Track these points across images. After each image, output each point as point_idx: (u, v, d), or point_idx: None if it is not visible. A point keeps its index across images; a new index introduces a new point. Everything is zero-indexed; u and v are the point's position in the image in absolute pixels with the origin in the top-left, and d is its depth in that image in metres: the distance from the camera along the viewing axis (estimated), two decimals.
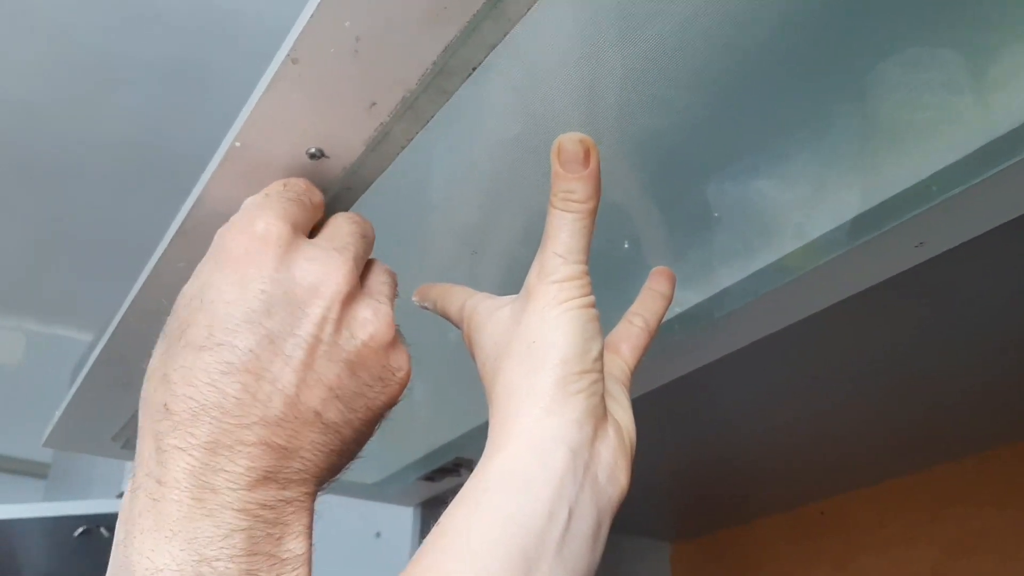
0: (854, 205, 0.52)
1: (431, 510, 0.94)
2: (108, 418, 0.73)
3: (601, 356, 0.39)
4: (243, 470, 0.34)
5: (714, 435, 0.87)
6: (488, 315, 0.42)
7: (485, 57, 0.36)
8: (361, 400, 0.38)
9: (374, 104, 0.39)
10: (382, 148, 0.42)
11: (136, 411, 0.69)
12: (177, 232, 0.47)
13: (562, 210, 0.40)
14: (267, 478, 0.34)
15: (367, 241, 0.41)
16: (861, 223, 0.52)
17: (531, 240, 0.44)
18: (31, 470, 2.34)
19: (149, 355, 0.60)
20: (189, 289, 0.38)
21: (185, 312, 0.37)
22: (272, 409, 0.35)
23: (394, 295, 0.41)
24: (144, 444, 0.36)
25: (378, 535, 1.45)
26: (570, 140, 0.39)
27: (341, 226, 0.41)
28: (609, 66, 0.47)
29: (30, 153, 1.98)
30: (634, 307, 0.46)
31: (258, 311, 0.36)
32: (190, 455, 0.34)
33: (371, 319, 0.38)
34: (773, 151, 0.54)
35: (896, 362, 0.71)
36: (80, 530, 1.42)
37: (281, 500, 0.34)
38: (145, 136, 1.95)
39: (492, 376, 0.40)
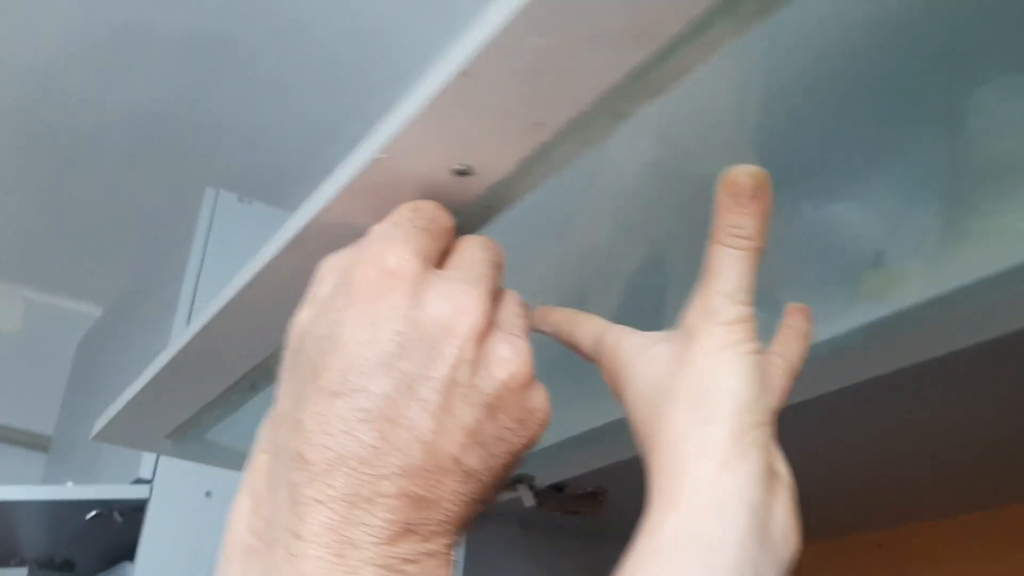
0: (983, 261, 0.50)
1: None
2: (167, 417, 0.70)
3: (771, 406, 0.37)
4: (382, 523, 0.32)
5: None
6: (639, 352, 0.40)
7: (673, 83, 0.33)
8: (502, 444, 0.35)
9: (539, 123, 0.36)
10: (535, 168, 0.39)
11: (198, 412, 0.68)
12: (294, 239, 0.45)
13: (729, 247, 0.38)
14: (408, 531, 0.32)
15: (499, 270, 0.39)
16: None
17: (653, 267, 0.41)
18: (31, 442, 2.30)
19: (227, 360, 0.59)
20: (315, 326, 0.36)
21: (316, 353, 0.35)
22: (411, 458, 0.33)
23: (528, 328, 0.39)
24: (278, 493, 0.34)
25: None
26: (745, 173, 0.37)
27: (473, 254, 0.38)
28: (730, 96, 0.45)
29: (44, 121, 1.94)
30: (774, 347, 0.44)
31: (393, 353, 0.33)
32: (329, 508, 0.32)
33: (509, 357, 0.35)
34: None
35: (982, 398, 0.69)
36: (92, 513, 1.40)
37: (423, 553, 0.33)
38: (161, 109, 1.92)
39: (651, 421, 0.38)
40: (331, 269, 0.40)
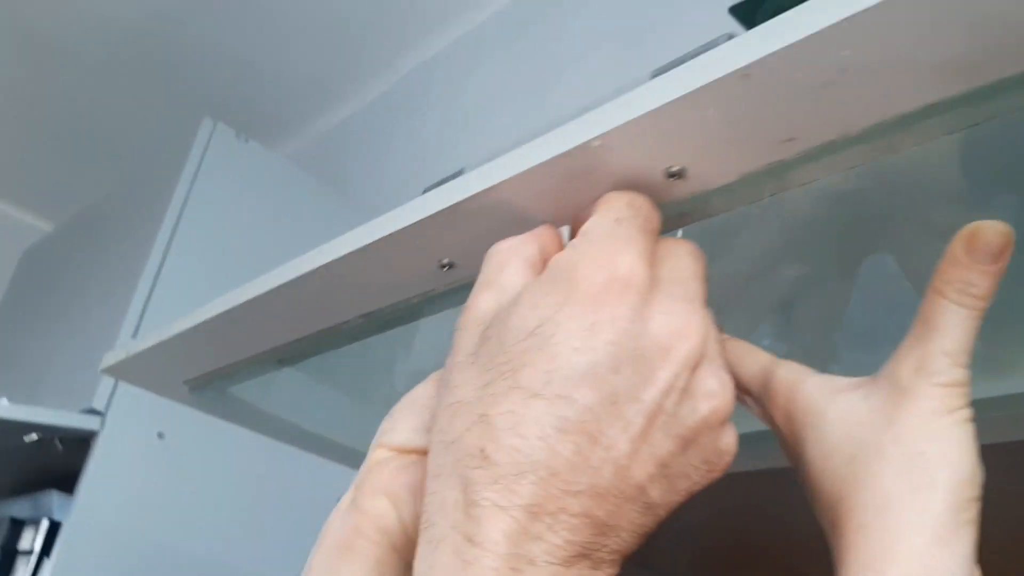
0: None
1: None
2: (193, 364, 0.65)
3: (982, 481, 0.34)
4: (562, 542, 0.30)
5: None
6: (827, 398, 0.37)
7: (979, 123, 0.30)
8: (685, 481, 0.33)
9: (791, 140, 0.33)
10: (759, 183, 0.36)
11: (227, 366, 0.62)
12: (449, 208, 0.40)
13: (958, 304, 0.35)
14: (582, 555, 0.30)
15: (706, 286, 0.36)
16: None
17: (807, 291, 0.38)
18: None
19: (289, 321, 0.54)
20: (520, 319, 0.33)
21: (515, 347, 0.32)
22: (602, 478, 0.30)
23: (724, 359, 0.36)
24: (448, 488, 0.32)
25: None
26: (992, 230, 0.34)
27: (687, 266, 0.35)
28: None
29: (28, 26, 1.83)
30: None
31: (605, 365, 0.31)
32: (511, 516, 0.30)
33: (716, 391, 0.33)
34: None
35: None
36: (33, 437, 1.32)
37: None
38: (151, 26, 1.82)
39: (848, 475, 0.35)
40: (514, 255, 0.37)
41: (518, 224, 0.41)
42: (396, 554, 0.40)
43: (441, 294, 0.48)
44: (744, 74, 0.30)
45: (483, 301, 0.35)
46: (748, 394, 0.41)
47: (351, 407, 0.76)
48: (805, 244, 0.44)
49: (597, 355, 0.31)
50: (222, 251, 1.43)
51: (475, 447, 0.31)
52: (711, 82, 0.31)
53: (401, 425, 0.42)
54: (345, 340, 0.55)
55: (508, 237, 0.38)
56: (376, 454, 0.42)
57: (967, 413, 0.35)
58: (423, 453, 0.41)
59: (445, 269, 0.46)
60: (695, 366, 0.32)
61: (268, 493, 1.43)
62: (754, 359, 0.41)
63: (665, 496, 0.32)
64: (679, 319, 0.32)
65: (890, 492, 0.34)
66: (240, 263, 1.42)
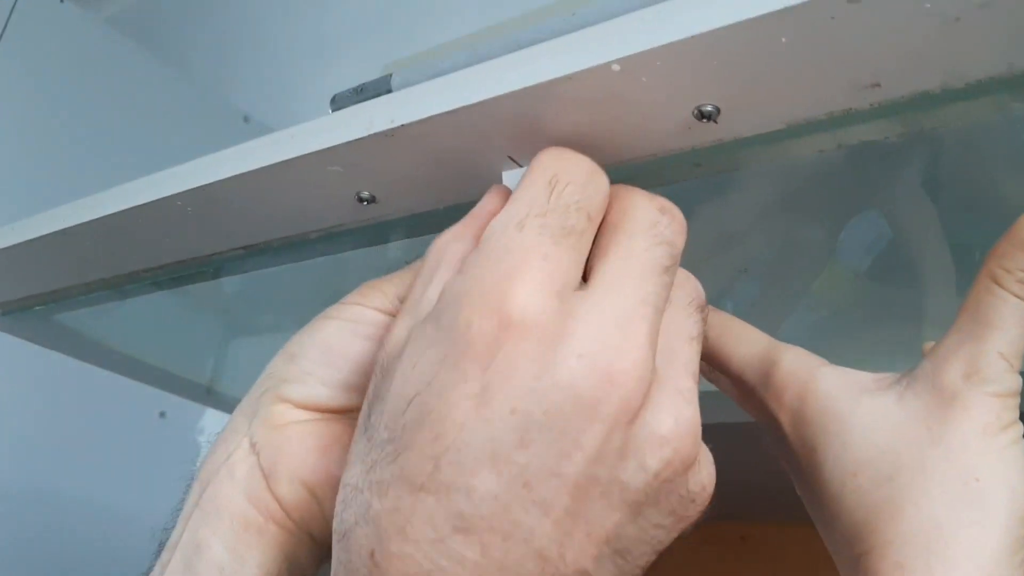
0: None
1: None
2: (13, 286, 0.52)
3: None
4: None
5: None
6: (851, 400, 0.31)
7: None
8: (645, 546, 0.25)
9: (874, 85, 0.25)
10: (805, 137, 0.28)
11: (47, 294, 0.50)
12: (384, 133, 0.31)
13: (1018, 296, 0.29)
14: None
15: (674, 265, 0.26)
16: None
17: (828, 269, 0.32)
18: None
19: (137, 249, 0.43)
20: (400, 383, 0.25)
21: (397, 422, 0.24)
22: None
23: (698, 360, 0.27)
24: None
25: (162, 415, 1.30)
26: None
27: (638, 246, 0.26)
28: None
29: None
30: None
31: (507, 441, 0.23)
32: None
33: (669, 435, 0.24)
34: None
35: None
36: None
37: None
38: None
39: (883, 501, 0.29)
40: (452, 255, 0.28)
41: (471, 160, 0.32)
42: (314, 543, 0.32)
43: (354, 230, 0.39)
44: None
45: (398, 329, 0.27)
46: (741, 384, 0.34)
47: (223, 341, 0.66)
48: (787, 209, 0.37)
49: (493, 429, 0.23)
50: (32, 127, 1.24)
51: (365, 549, 0.24)
52: (803, 2, 0.23)
53: (310, 374, 0.32)
54: (223, 271, 0.44)
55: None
56: (276, 411, 0.32)
57: (1020, 429, 0.29)
58: (340, 413, 0.33)
59: (364, 203, 0.36)
60: (634, 414, 0.23)
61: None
62: (751, 341, 0.34)
63: (623, 570, 0.24)
64: (605, 358, 0.23)
65: (940, 525, 0.28)
66: (54, 141, 1.23)
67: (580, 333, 0.23)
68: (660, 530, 0.25)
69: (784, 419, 0.32)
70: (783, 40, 0.24)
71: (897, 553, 0.28)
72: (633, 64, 0.26)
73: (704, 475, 0.25)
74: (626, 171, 0.31)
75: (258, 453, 0.31)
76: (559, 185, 0.26)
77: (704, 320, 0.28)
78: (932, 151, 0.30)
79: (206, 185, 0.36)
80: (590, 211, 0.26)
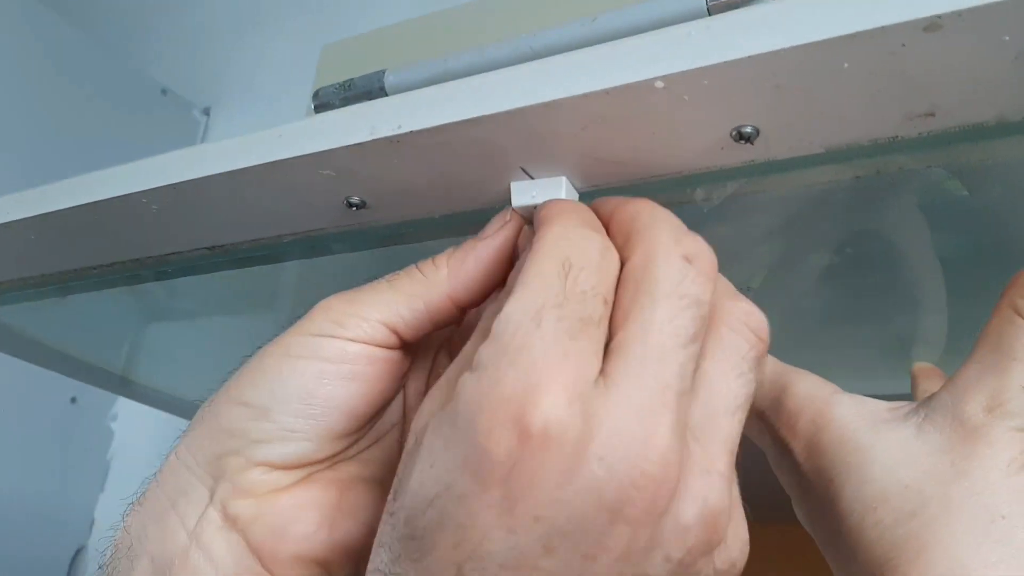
0: None
1: None
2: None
3: None
4: None
5: None
6: (870, 431, 0.30)
7: None
8: None
9: (928, 115, 0.24)
10: (848, 161, 0.27)
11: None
12: (394, 138, 0.29)
13: None
14: None
15: (701, 327, 0.24)
16: None
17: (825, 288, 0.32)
18: None
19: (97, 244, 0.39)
20: (419, 478, 0.23)
21: (420, 520, 0.23)
22: None
23: (739, 432, 0.25)
24: None
25: (73, 400, 1.24)
26: None
27: (658, 323, 0.23)
28: None
29: None
30: None
31: (532, 549, 0.22)
32: None
33: (692, 526, 0.23)
34: None
35: None
36: None
37: None
38: None
39: (906, 538, 0.28)
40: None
41: (479, 170, 0.30)
42: None
43: (336, 235, 0.36)
44: (933, 24, 0.21)
45: (428, 404, 0.25)
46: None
47: (138, 327, 0.62)
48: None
49: (517, 538, 0.21)
50: None
51: None
52: (877, 28, 0.21)
53: (293, 431, 0.28)
54: (182, 272, 0.41)
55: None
56: (252, 477, 0.28)
57: None
58: (328, 462, 0.30)
59: (354, 209, 0.34)
60: (662, 511, 0.22)
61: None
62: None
63: None
64: (627, 459, 0.21)
65: (965, 565, 0.27)
66: None
67: (600, 436, 0.22)
68: None
69: (797, 446, 0.31)
70: (845, 65, 0.23)
71: (924, 569, 0.27)
72: (679, 82, 0.24)
73: (734, 552, 0.24)
74: (646, 188, 0.29)
75: (243, 530, 0.28)
76: (573, 270, 0.24)
77: (758, 378, 0.26)
78: (960, 180, 0.29)
79: (178, 183, 0.33)
80: (606, 295, 0.24)
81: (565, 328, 0.23)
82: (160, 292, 0.77)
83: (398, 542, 0.23)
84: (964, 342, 0.31)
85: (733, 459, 0.24)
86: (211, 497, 0.28)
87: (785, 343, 0.38)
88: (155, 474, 0.30)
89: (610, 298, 0.24)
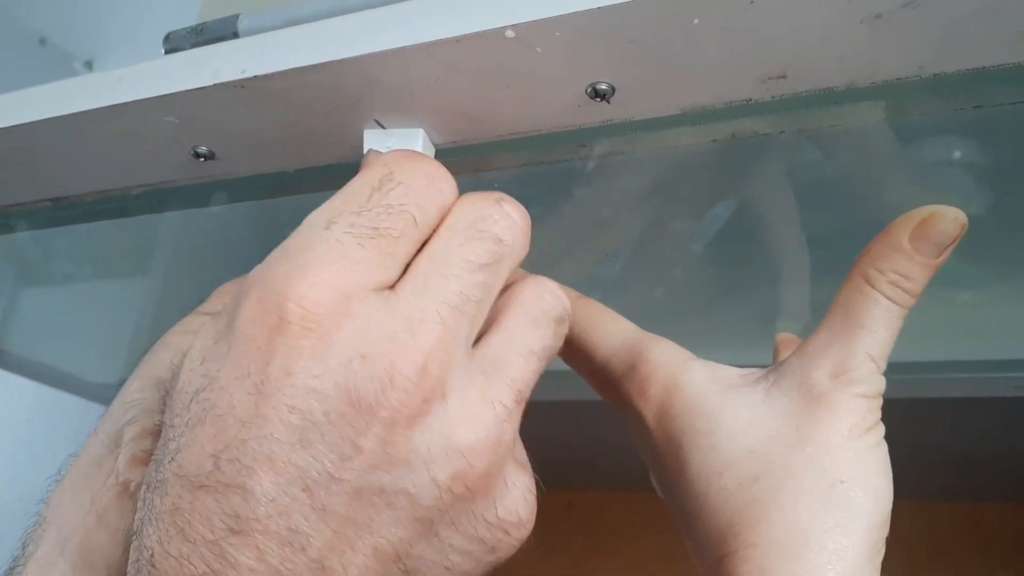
0: None
1: None
2: None
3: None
4: None
5: None
6: (720, 395, 0.30)
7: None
8: (444, 573, 0.23)
9: (780, 77, 0.24)
10: (704, 124, 0.27)
11: None
12: (238, 83, 0.27)
13: (889, 298, 0.29)
14: None
15: (497, 261, 0.24)
16: None
17: (697, 257, 0.32)
18: None
19: None
20: (188, 374, 0.23)
21: (182, 416, 0.23)
22: None
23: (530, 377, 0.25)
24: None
25: None
26: (951, 218, 0.28)
27: (451, 246, 0.24)
28: None
29: None
30: None
31: (286, 441, 0.21)
32: None
33: (461, 448, 0.22)
34: None
35: None
36: None
37: None
38: None
39: (748, 503, 0.28)
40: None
41: (331, 119, 0.29)
42: None
43: (185, 188, 0.34)
44: None
45: (187, 359, 0.25)
46: (605, 373, 0.33)
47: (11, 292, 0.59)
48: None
49: (272, 427, 0.21)
50: None
51: (147, 551, 0.22)
52: None
53: None
54: (23, 225, 0.39)
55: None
56: (147, 446, 0.28)
57: (882, 430, 0.29)
58: None
59: (201, 160, 0.32)
60: (413, 418, 0.22)
61: None
62: (618, 331, 0.33)
63: None
64: (386, 359, 0.21)
65: (804, 530, 0.27)
66: None
67: (365, 334, 0.22)
68: (464, 557, 0.23)
69: (648, 412, 0.31)
70: (695, 21, 0.22)
71: (762, 557, 0.27)
72: (530, 32, 0.23)
73: (516, 501, 0.24)
74: (504, 145, 0.29)
75: (133, 497, 0.28)
76: (388, 184, 0.24)
77: (559, 335, 0.26)
78: (818, 149, 0.29)
79: (10, 127, 0.31)
80: (417, 215, 0.24)
81: (354, 234, 0.23)
82: (35, 252, 0.73)
83: (163, 449, 0.22)
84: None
85: (519, 400, 0.24)
86: (113, 464, 0.28)
87: (651, 311, 0.38)
88: (78, 450, 0.30)
89: (424, 221, 0.24)
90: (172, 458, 0.22)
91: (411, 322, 0.22)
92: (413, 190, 0.24)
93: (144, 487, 0.23)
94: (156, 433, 0.28)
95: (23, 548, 0.29)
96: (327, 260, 0.22)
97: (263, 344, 0.22)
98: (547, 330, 0.26)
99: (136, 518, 0.23)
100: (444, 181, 0.25)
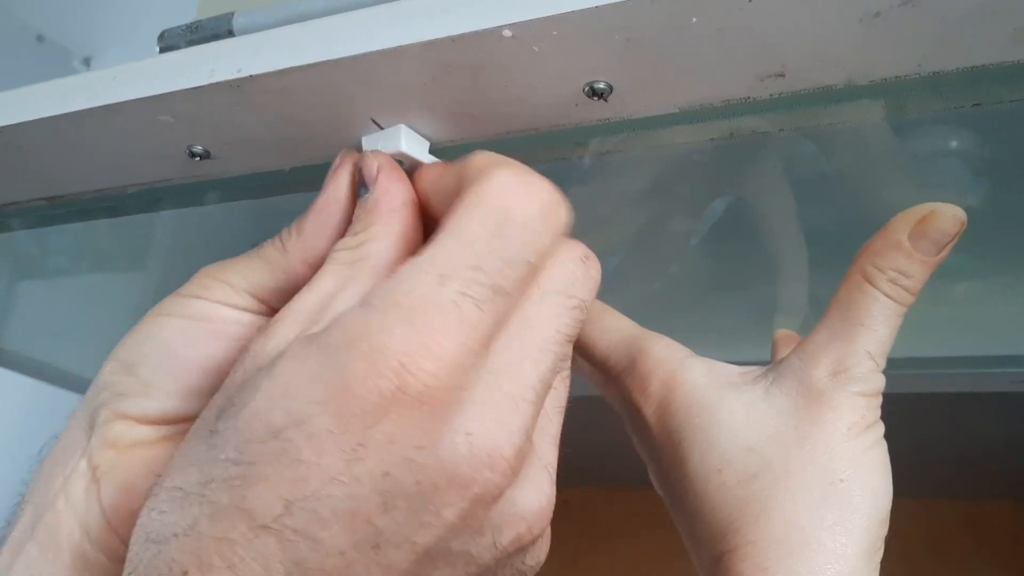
0: None
1: None
2: None
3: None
4: None
5: None
6: (717, 393, 0.30)
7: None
8: None
9: (778, 75, 0.24)
10: (703, 122, 0.27)
11: None
12: (233, 82, 0.27)
13: (888, 296, 0.29)
14: None
15: (578, 331, 0.24)
16: None
17: (695, 253, 0.32)
18: None
19: None
20: (266, 405, 0.21)
21: (252, 448, 0.21)
22: None
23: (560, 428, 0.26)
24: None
25: None
26: (951, 216, 0.28)
27: (548, 315, 0.23)
28: None
29: None
30: None
31: (371, 503, 0.21)
32: None
33: (525, 515, 0.23)
34: None
35: None
36: None
37: None
38: None
39: (747, 501, 0.28)
40: (330, 274, 0.26)
41: (328, 119, 0.29)
42: None
43: (181, 187, 0.34)
44: None
45: (277, 338, 0.24)
46: (605, 370, 0.33)
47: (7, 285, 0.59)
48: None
49: (360, 488, 0.21)
50: None
51: (179, 566, 0.21)
52: None
53: (153, 386, 0.28)
54: (19, 224, 0.39)
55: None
56: (116, 429, 0.27)
57: (882, 429, 0.29)
58: (191, 422, 0.29)
59: (197, 159, 0.32)
60: (500, 495, 0.22)
61: None
62: (618, 328, 0.33)
63: None
64: (490, 440, 0.21)
65: (803, 527, 0.27)
66: None
67: (474, 412, 0.21)
68: None
69: (648, 409, 0.31)
70: (694, 20, 0.22)
71: (760, 555, 0.27)
72: (527, 31, 0.23)
73: (542, 552, 0.24)
74: (502, 144, 0.28)
75: (99, 481, 0.27)
76: (507, 227, 0.22)
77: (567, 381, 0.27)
78: (817, 147, 0.29)
79: (8, 126, 0.31)
80: (532, 260, 0.22)
81: (472, 297, 0.21)
82: (31, 245, 0.73)
83: (215, 466, 0.21)
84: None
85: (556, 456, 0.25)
86: (87, 444, 0.28)
87: (650, 308, 0.37)
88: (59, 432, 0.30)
89: (540, 264, 0.23)
90: (236, 487, 0.21)
91: (515, 401, 0.22)
92: (531, 234, 0.22)
93: (178, 491, 0.22)
94: (126, 417, 0.28)
95: (7, 526, 0.29)
96: (447, 332, 0.21)
97: (370, 408, 0.20)
98: (568, 383, 0.26)
99: (162, 519, 0.22)
100: (560, 207, 0.23)
